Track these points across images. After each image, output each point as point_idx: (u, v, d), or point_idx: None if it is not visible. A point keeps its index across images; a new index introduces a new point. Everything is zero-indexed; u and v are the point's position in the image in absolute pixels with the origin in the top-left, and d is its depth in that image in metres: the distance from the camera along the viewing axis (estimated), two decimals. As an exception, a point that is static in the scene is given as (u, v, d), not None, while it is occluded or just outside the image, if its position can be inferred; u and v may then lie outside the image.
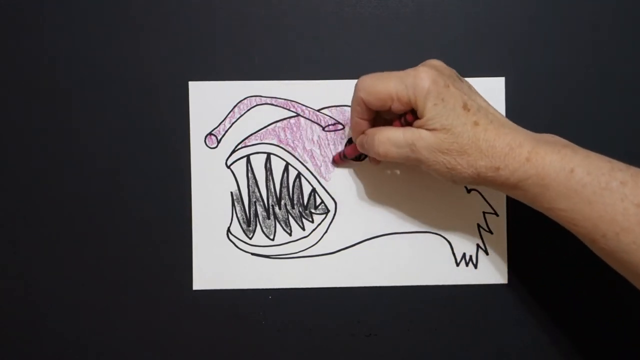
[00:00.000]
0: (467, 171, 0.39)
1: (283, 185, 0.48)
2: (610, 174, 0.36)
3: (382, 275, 0.48)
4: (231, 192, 0.48)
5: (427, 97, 0.38)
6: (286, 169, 0.48)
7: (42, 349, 0.48)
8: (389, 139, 0.41)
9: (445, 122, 0.38)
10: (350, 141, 0.48)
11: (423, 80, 0.39)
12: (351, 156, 0.47)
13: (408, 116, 0.40)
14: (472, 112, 0.39)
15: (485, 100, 0.41)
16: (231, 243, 0.48)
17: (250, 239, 0.48)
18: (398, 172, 0.48)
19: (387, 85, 0.40)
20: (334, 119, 0.48)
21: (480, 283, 0.48)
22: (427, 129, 0.39)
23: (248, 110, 0.48)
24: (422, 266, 0.48)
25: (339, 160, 0.48)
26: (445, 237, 0.48)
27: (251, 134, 0.48)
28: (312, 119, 0.48)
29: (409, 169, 0.48)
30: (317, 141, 0.48)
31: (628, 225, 0.35)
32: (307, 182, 0.48)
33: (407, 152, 0.40)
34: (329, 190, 0.48)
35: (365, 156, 0.47)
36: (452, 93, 0.39)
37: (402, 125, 0.41)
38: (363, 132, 0.43)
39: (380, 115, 0.43)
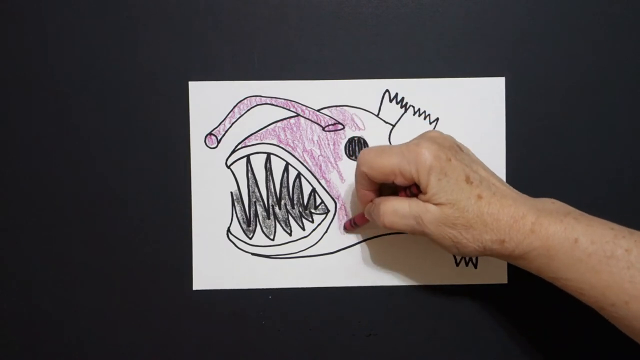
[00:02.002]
0: (473, 245, 0.39)
1: (283, 185, 0.48)
2: (614, 242, 0.36)
3: (382, 275, 0.48)
4: (231, 192, 0.48)
5: (430, 173, 0.39)
6: (286, 169, 0.48)
7: (41, 349, 0.48)
8: (395, 211, 0.41)
9: (450, 196, 0.39)
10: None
11: (425, 156, 0.39)
12: (362, 224, 0.47)
13: (413, 188, 0.41)
14: (474, 185, 0.39)
15: (485, 168, 0.41)
16: (231, 243, 0.48)
17: (250, 239, 0.48)
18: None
19: (390, 161, 0.40)
20: (334, 119, 0.48)
21: (480, 283, 0.48)
22: (432, 204, 0.39)
23: (248, 110, 0.48)
24: (422, 266, 0.48)
25: (350, 227, 0.48)
26: (445, 237, 0.48)
27: (251, 134, 0.48)
28: (312, 119, 0.48)
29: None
30: (317, 141, 0.48)
31: (636, 293, 0.35)
32: (307, 182, 0.48)
33: (412, 224, 0.40)
34: (329, 190, 0.48)
35: None
36: (454, 166, 0.39)
37: (408, 196, 0.41)
38: (371, 201, 0.44)
39: (386, 184, 0.43)
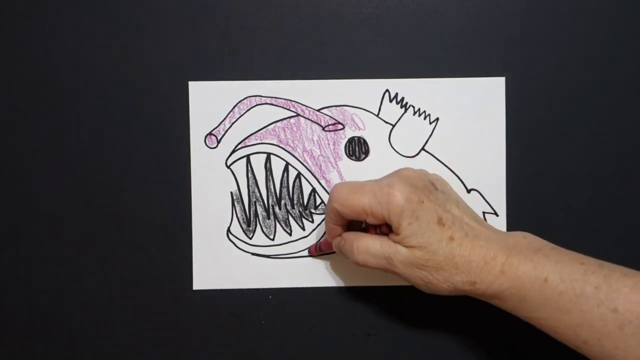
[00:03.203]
0: (444, 285, 0.39)
1: (283, 185, 0.48)
2: (584, 279, 0.36)
3: (382, 275, 0.48)
4: (231, 192, 0.48)
5: (401, 217, 0.39)
6: (286, 169, 0.48)
7: (41, 349, 0.48)
8: (368, 249, 0.41)
9: (421, 239, 0.39)
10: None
11: (397, 199, 0.39)
12: (326, 250, 0.47)
13: (383, 228, 0.41)
14: (447, 227, 0.39)
15: (459, 206, 0.41)
16: (231, 243, 0.48)
17: (250, 239, 0.48)
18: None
19: (361, 201, 0.40)
20: (334, 118, 0.48)
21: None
22: (403, 246, 0.39)
23: (248, 110, 0.48)
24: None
25: (315, 252, 0.48)
26: (445, 237, 0.48)
27: (251, 134, 0.48)
28: (312, 119, 0.48)
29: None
30: (317, 141, 0.48)
31: (607, 331, 0.35)
32: (307, 182, 0.48)
33: (384, 263, 0.41)
34: (329, 190, 0.48)
35: None
36: (427, 209, 0.39)
37: (377, 234, 0.41)
38: (339, 235, 0.44)
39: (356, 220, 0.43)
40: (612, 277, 0.36)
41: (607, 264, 0.37)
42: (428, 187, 0.41)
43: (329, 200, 0.42)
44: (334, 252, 0.46)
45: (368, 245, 0.41)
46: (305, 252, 0.48)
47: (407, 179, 0.40)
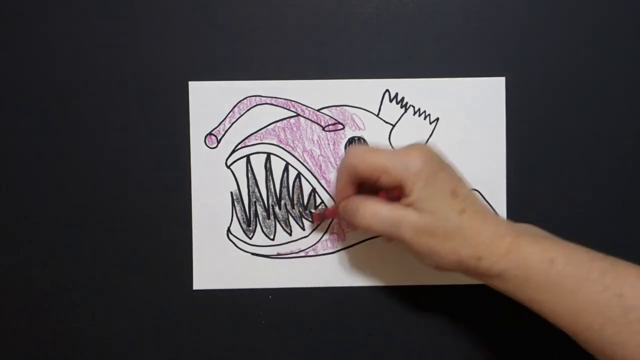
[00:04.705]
0: (450, 257, 0.39)
1: (283, 185, 0.48)
2: (590, 264, 0.36)
3: (382, 275, 0.48)
4: (231, 192, 0.48)
5: (417, 177, 0.38)
6: (286, 169, 0.48)
7: (40, 348, 0.48)
8: (375, 213, 0.40)
9: (433, 205, 0.38)
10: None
11: (416, 159, 0.39)
12: (331, 217, 0.46)
13: (395, 192, 0.40)
14: (460, 199, 0.39)
15: (471, 190, 0.41)
16: (231, 243, 0.48)
17: (250, 239, 0.48)
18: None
19: (379, 157, 0.40)
20: (334, 118, 0.48)
21: (481, 283, 0.48)
22: (414, 209, 0.39)
23: (248, 110, 0.48)
24: (422, 266, 0.48)
25: (318, 219, 0.47)
26: (445, 237, 0.48)
27: (251, 134, 0.48)
28: (312, 119, 0.48)
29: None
30: (317, 141, 0.48)
31: (612, 315, 0.35)
32: (307, 182, 0.48)
33: (391, 229, 0.40)
34: (329, 190, 0.48)
35: None
36: (443, 177, 0.39)
37: (388, 199, 0.41)
38: (348, 197, 0.43)
39: (365, 188, 0.42)
40: (619, 265, 0.36)
41: (611, 257, 0.37)
42: (446, 161, 0.41)
43: (345, 158, 0.41)
44: (328, 233, 0.46)
45: (375, 208, 0.40)
46: (306, 252, 0.48)
47: (427, 148, 0.40)
